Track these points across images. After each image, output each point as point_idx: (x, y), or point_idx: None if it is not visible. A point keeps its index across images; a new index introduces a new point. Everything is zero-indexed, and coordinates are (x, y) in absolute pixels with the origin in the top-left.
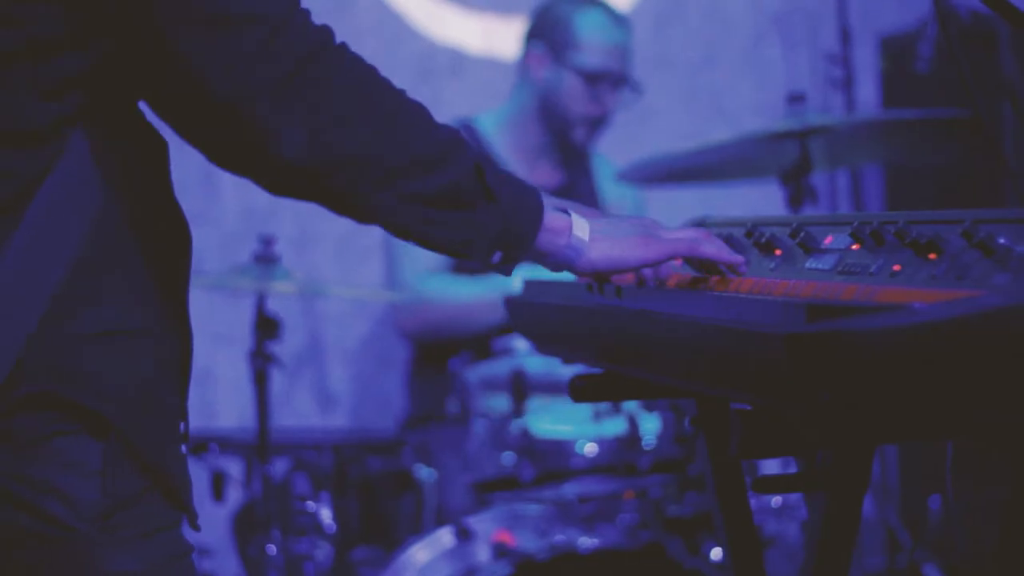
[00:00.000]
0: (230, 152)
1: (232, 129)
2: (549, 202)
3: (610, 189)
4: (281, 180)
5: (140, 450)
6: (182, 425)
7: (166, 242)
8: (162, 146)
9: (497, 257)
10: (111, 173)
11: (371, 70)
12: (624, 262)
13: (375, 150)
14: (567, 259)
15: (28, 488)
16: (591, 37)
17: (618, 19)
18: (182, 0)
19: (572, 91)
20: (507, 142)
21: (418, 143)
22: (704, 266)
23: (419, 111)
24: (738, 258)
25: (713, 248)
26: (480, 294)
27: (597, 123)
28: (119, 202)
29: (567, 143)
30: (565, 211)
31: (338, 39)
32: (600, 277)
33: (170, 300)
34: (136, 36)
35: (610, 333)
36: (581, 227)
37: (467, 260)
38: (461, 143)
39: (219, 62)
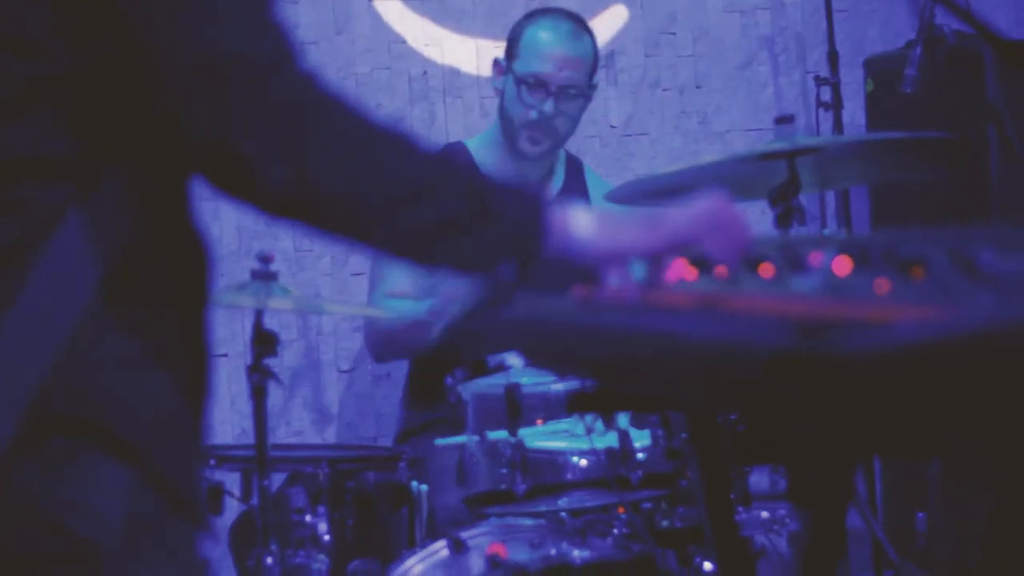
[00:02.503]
0: (224, 188)
1: (222, 169)
2: (545, 200)
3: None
4: (274, 215)
5: (163, 472)
6: (201, 446)
7: (189, 268)
8: (184, 168)
9: (506, 272)
10: (137, 201)
11: (355, 107)
12: (629, 249)
13: (363, 187)
14: (568, 256)
15: (55, 507)
16: (531, 44)
17: (567, 30)
18: (172, 42)
19: (513, 97)
20: (496, 162)
21: (406, 176)
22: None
23: (406, 142)
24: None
25: (719, 244)
26: (404, 317)
27: (539, 130)
28: (144, 230)
29: (517, 152)
30: (563, 206)
31: (325, 79)
32: (602, 269)
33: (192, 324)
34: (131, 75)
35: (601, 350)
36: (582, 221)
37: (479, 275)
38: (451, 169)
39: (205, 105)
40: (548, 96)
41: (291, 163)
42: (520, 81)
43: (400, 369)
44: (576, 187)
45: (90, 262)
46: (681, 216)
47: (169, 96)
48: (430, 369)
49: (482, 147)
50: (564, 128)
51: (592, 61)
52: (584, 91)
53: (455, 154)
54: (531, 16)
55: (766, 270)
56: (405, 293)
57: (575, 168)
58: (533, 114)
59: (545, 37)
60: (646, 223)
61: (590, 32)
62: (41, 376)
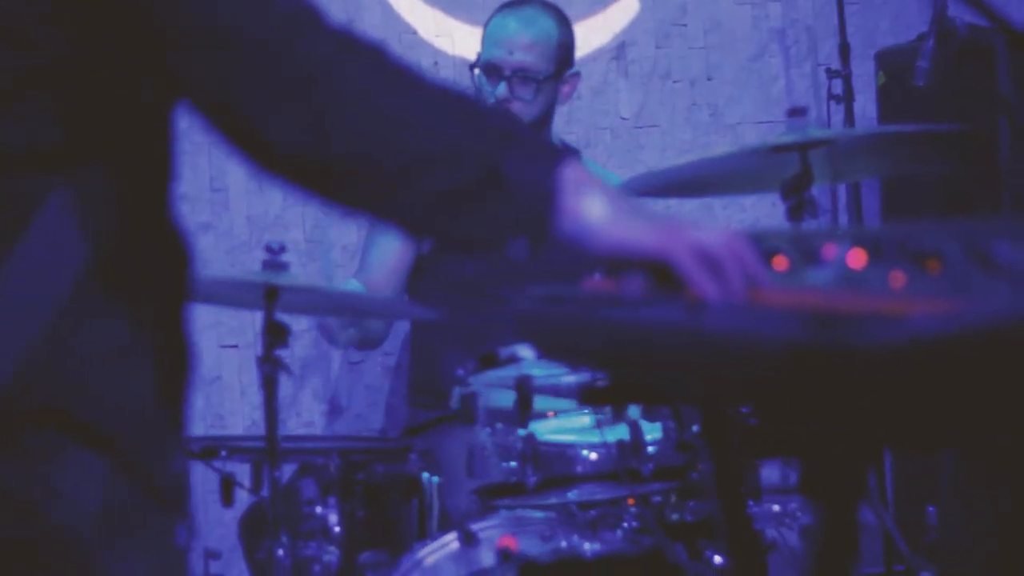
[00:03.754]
0: (244, 153)
1: (235, 135)
2: (570, 176)
3: None
4: (289, 181)
5: (141, 463)
6: (182, 436)
7: (166, 261)
8: (170, 164)
9: (517, 250)
10: (118, 195)
11: (376, 63)
12: (637, 248)
13: (375, 155)
14: (578, 242)
15: (29, 494)
16: (489, 33)
17: (523, 15)
18: (172, 14)
19: (476, 85)
20: None
21: (420, 142)
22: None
23: (426, 101)
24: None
25: (701, 280)
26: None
27: None
28: (125, 223)
29: None
30: (584, 186)
31: (350, 35)
32: (611, 263)
33: (171, 317)
34: (124, 64)
35: (614, 342)
36: (596, 207)
37: (488, 252)
38: (469, 130)
39: (209, 74)
40: (501, 80)
41: (298, 127)
42: (480, 70)
43: (408, 359)
44: None
45: (69, 253)
46: (697, 234)
47: (174, 69)
48: (440, 360)
49: None
50: (525, 113)
51: (555, 46)
52: (539, 75)
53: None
54: (499, 8)
55: (780, 263)
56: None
57: None
58: (489, 100)
59: (501, 24)
60: (662, 225)
61: (556, 18)
62: (17, 365)
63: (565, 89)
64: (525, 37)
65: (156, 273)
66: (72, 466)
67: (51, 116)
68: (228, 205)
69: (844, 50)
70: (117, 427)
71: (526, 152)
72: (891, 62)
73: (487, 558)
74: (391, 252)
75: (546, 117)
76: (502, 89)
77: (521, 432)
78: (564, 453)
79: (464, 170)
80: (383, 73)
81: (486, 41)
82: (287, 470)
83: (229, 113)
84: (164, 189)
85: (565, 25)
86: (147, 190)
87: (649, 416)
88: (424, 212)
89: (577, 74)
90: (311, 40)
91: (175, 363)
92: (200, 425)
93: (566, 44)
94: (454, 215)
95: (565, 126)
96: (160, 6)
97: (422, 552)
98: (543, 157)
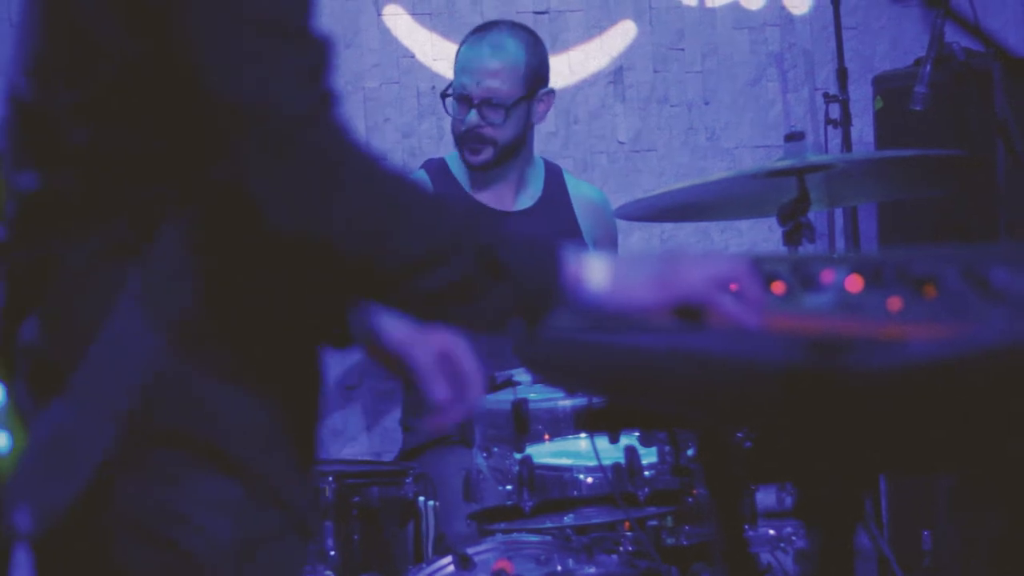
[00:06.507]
0: (233, 226)
1: (233, 208)
2: (564, 250)
3: (584, 212)
4: (281, 261)
5: (274, 489)
6: (314, 464)
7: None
8: None
9: (516, 328)
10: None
11: (376, 161)
12: (637, 307)
13: (377, 249)
14: (578, 307)
15: (164, 521)
16: (459, 60)
17: (490, 42)
18: (214, 81)
19: (451, 111)
20: (463, 175)
21: (422, 240)
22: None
23: (424, 201)
24: (753, 323)
25: (731, 305)
26: None
27: (472, 140)
28: (247, 244)
29: (466, 163)
30: (579, 256)
31: (352, 132)
32: (614, 321)
33: (300, 342)
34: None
35: (611, 366)
36: (597, 272)
37: (491, 334)
38: (466, 228)
39: (230, 146)
40: (471, 108)
41: (305, 215)
42: (453, 97)
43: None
44: (556, 194)
45: (188, 272)
46: (696, 273)
47: (204, 133)
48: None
49: (455, 161)
50: (498, 136)
51: (523, 69)
52: (507, 100)
53: (460, 199)
54: (468, 34)
55: (778, 288)
56: None
57: (553, 175)
58: (461, 127)
59: (468, 52)
60: (661, 279)
61: (524, 40)
62: (141, 385)
63: (540, 108)
64: (492, 64)
65: (280, 290)
66: (203, 491)
67: (151, 125)
68: None
69: (842, 75)
70: (250, 454)
71: (519, 239)
72: (888, 87)
73: None
74: None
75: (523, 137)
76: (472, 116)
77: (517, 456)
78: (561, 477)
79: (467, 262)
80: (380, 162)
81: (456, 70)
82: None
83: (238, 193)
84: None
85: (534, 46)
86: None
87: (645, 440)
88: (425, 304)
89: (551, 92)
90: (328, 126)
91: (302, 387)
92: None
93: (535, 65)
94: (455, 305)
95: (562, 150)
96: (199, 68)
97: None
98: (535, 241)
